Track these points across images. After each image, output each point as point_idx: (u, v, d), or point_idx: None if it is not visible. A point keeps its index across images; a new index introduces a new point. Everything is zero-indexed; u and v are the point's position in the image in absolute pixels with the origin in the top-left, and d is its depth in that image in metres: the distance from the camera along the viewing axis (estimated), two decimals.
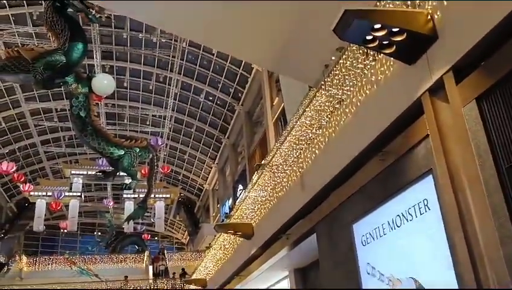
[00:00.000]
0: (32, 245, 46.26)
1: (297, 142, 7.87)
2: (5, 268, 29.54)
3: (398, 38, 4.12)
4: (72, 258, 31.90)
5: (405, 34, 4.09)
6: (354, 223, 5.88)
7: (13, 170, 28.58)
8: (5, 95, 29.80)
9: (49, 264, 30.97)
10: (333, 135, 6.35)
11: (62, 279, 24.41)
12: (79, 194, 34.73)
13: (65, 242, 49.74)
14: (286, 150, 8.41)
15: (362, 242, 5.65)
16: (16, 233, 40.91)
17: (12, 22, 24.54)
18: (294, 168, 7.79)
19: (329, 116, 6.58)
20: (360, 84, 5.63)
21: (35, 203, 34.18)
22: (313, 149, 7.03)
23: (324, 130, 6.67)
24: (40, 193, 33.75)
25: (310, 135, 7.31)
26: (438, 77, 4.11)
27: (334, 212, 6.59)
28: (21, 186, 33.51)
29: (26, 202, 38.51)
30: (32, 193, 33.59)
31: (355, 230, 5.85)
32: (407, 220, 4.79)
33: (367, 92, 5.43)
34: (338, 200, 6.39)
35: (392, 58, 4.74)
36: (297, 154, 7.77)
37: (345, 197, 6.21)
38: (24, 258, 31.64)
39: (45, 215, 35.76)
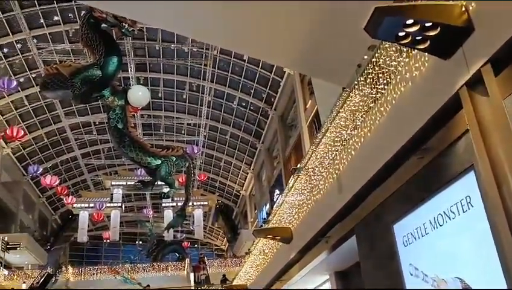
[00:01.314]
0: (77, 256, 47.54)
1: (332, 143, 7.80)
2: (53, 279, 30.46)
3: (432, 33, 4.02)
4: (115, 267, 32.64)
5: (439, 28, 3.99)
6: (395, 223, 5.76)
7: (56, 183, 29.53)
8: (46, 111, 30.91)
9: (94, 274, 31.78)
10: (369, 134, 6.26)
11: (107, 288, 24.92)
12: (119, 204, 35.56)
13: (108, 252, 50.85)
14: (321, 152, 8.34)
15: (404, 243, 5.53)
16: (61, 245, 42.12)
17: (50, 40, 25.46)
18: (331, 170, 7.72)
19: (364, 115, 6.50)
20: (394, 81, 5.53)
21: (78, 215, 35.18)
22: (349, 150, 6.95)
23: (359, 130, 6.59)
24: (82, 205, 34.77)
25: (345, 136, 7.23)
26: (476, 70, 3.99)
27: (373, 213, 6.49)
28: (64, 199, 34.58)
29: (69, 214, 39.73)
30: (75, 205, 34.60)
31: (395, 231, 5.73)
32: (449, 218, 4.65)
33: (402, 89, 5.33)
34: (377, 201, 6.29)
35: (426, 54, 4.63)
36: (333, 156, 7.70)
37: (383, 198, 6.10)
38: (70, 268, 32.59)
39: (88, 226, 36.75)
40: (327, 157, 8.01)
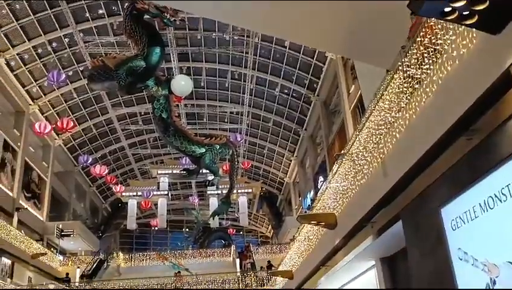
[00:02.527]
0: (127, 243, 49.21)
1: (376, 127, 7.64)
2: (105, 264, 31.68)
3: (480, 7, 3.82)
4: (163, 254, 33.53)
5: (487, 1, 3.80)
6: (442, 207, 5.59)
7: (105, 172, 30.52)
8: (94, 103, 31.92)
9: (143, 260, 32.80)
10: (414, 117, 6.09)
11: (156, 273, 25.67)
12: (166, 192, 36.35)
13: (156, 239, 52.37)
14: (365, 136, 8.20)
15: (452, 227, 5.37)
16: (112, 232, 43.64)
17: (95, 33, 26.18)
18: (375, 154, 7.58)
19: (408, 97, 6.32)
20: (440, 61, 5.34)
21: (127, 203, 36.28)
22: (394, 133, 6.80)
23: (404, 112, 6.42)
24: (130, 193, 35.77)
25: (390, 119, 7.07)
26: None
27: (419, 197, 6.33)
28: (113, 188, 35.74)
29: (119, 203, 41.05)
30: (124, 194, 35.68)
31: (443, 215, 5.57)
32: (500, 201, 4.47)
33: (448, 68, 5.14)
34: (423, 185, 6.12)
35: (474, 30, 4.44)
36: (377, 139, 7.54)
37: (430, 181, 5.93)
38: (121, 254, 33.77)
39: (137, 214, 37.90)
40: (371, 141, 7.86)
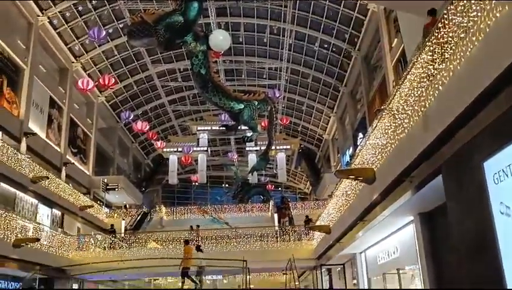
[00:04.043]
0: (169, 197, 50.78)
1: (418, 80, 7.41)
2: (148, 217, 32.96)
3: None
4: (204, 208, 34.51)
5: None
6: (485, 161, 5.46)
7: (147, 128, 31.20)
8: (134, 60, 32.31)
9: (184, 213, 33.93)
10: (458, 68, 5.87)
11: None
12: (206, 149, 36.93)
13: (197, 194, 53.76)
14: (407, 89, 7.98)
15: (494, 180, 5.25)
16: (154, 187, 45.02)
17: None
18: (416, 107, 7.39)
19: (453, 47, 6.07)
20: (488, 7, 5.07)
21: (168, 159, 37.17)
22: (436, 86, 6.58)
23: (448, 63, 6.18)
24: (171, 149, 36.57)
25: (432, 71, 6.84)
26: None
27: (461, 151, 6.17)
28: (155, 144, 36.61)
29: (160, 158, 42.11)
30: (165, 150, 36.51)
31: (486, 168, 5.44)
32: None
33: (497, 15, 4.88)
34: (466, 138, 5.96)
35: None
36: (419, 93, 7.33)
37: (473, 134, 5.77)
38: (163, 208, 35.00)
39: (178, 169, 38.81)
40: (412, 94, 7.65)
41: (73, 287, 21.06)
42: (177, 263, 15.23)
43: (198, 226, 24.93)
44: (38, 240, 18.06)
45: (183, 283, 15.82)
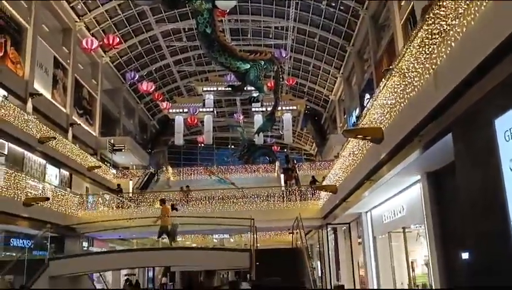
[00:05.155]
0: (175, 158, 51.11)
1: (430, 36, 7.24)
2: (155, 177, 33.27)
3: None
4: (210, 168, 34.74)
5: None
6: (496, 118, 5.40)
7: (152, 89, 31.06)
8: (138, 19, 31.82)
9: (191, 174, 34.20)
10: (472, 23, 5.72)
11: (203, 187, 26.74)
12: (211, 109, 36.85)
13: (203, 155, 54.09)
14: (417, 46, 7.81)
15: (505, 138, 5.20)
16: (161, 148, 45.23)
17: None
18: (427, 65, 7.26)
19: (467, 2, 5.90)
20: None
21: (174, 119, 37.18)
22: (449, 42, 6.43)
23: (461, 19, 6.02)
24: (177, 110, 36.52)
25: (445, 27, 6.67)
26: None
27: (472, 108, 6.09)
28: (160, 104, 36.54)
29: (166, 119, 42.14)
30: (170, 110, 36.48)
31: (497, 125, 5.39)
32: None
33: None
34: (478, 95, 5.86)
35: None
36: (430, 50, 7.18)
37: (485, 91, 5.67)
38: (170, 169, 35.28)
39: (184, 131, 38.88)
40: (423, 52, 7.50)
41: (83, 245, 21.54)
42: (185, 221, 15.48)
43: (187, 186, 25.38)
44: (48, 199, 18.33)
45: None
